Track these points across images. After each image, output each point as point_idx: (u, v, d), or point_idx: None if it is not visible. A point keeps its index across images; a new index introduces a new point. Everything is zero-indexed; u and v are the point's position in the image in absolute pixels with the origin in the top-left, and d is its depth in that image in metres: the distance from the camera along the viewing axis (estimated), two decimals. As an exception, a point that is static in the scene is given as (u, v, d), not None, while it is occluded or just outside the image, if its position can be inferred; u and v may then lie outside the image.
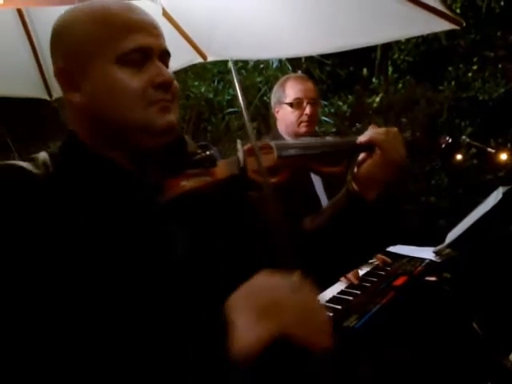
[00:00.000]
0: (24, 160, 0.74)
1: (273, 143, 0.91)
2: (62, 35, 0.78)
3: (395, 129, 0.96)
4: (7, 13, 2.27)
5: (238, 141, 0.86)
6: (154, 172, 0.79)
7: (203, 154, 0.82)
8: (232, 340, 0.61)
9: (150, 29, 0.78)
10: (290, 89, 2.12)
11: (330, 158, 0.96)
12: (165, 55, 0.80)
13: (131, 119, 0.75)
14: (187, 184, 0.77)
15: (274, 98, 2.20)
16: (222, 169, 0.83)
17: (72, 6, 0.80)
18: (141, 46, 0.75)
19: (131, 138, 0.76)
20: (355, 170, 0.96)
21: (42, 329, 0.62)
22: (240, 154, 0.85)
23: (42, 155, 0.76)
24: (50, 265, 0.64)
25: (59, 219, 0.67)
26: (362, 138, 0.95)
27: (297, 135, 2.12)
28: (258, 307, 0.64)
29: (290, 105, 2.09)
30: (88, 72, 0.75)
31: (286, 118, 2.12)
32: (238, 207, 0.87)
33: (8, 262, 0.63)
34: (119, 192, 0.75)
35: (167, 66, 0.80)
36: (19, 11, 2.33)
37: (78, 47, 0.76)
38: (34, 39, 2.51)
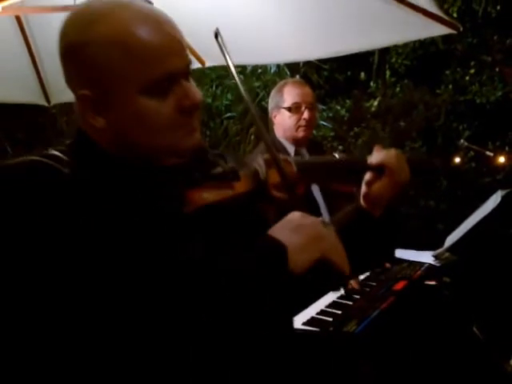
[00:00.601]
0: (44, 156, 0.71)
1: (291, 158, 0.93)
2: (81, 57, 0.72)
3: (399, 151, 1.01)
4: (5, 19, 2.28)
5: (259, 153, 0.86)
6: (176, 180, 0.78)
7: (226, 167, 0.82)
8: (288, 257, 0.72)
9: (176, 47, 0.74)
10: (288, 93, 2.12)
11: (342, 176, 1.02)
12: (189, 67, 0.78)
13: (159, 145, 0.74)
14: (209, 196, 0.77)
15: (271, 102, 2.20)
16: (244, 182, 0.82)
17: (84, 14, 0.73)
18: (168, 72, 0.72)
19: (158, 158, 0.76)
20: (364, 188, 1.01)
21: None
22: (260, 167, 0.84)
23: (57, 154, 0.73)
24: (78, 263, 0.63)
25: (89, 219, 0.66)
26: (373, 160, 1.00)
27: (295, 139, 2.12)
28: (305, 236, 0.76)
29: (288, 109, 2.09)
30: (112, 100, 0.72)
31: (283, 122, 2.12)
32: (255, 220, 0.87)
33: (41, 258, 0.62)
34: (143, 199, 0.74)
35: (189, 75, 0.78)
36: (17, 18, 2.34)
37: (101, 74, 0.72)
38: (32, 45, 2.52)
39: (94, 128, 0.75)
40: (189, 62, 0.77)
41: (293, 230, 0.75)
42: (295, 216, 0.78)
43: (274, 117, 2.17)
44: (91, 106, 0.73)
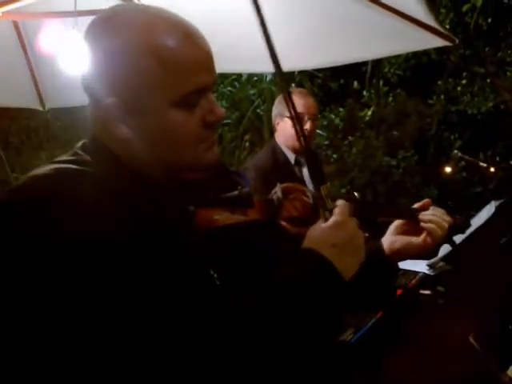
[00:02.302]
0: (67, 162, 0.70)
1: (309, 192, 0.89)
2: (115, 64, 0.70)
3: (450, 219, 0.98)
4: (3, 24, 2.27)
5: (278, 184, 0.85)
6: (191, 196, 0.77)
7: (242, 192, 0.81)
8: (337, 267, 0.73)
9: (208, 62, 0.73)
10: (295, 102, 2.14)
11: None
12: (216, 81, 0.77)
13: (180, 159, 0.73)
14: (220, 219, 0.77)
15: (275, 109, 2.22)
16: (257, 210, 0.81)
17: (119, 20, 0.71)
18: (200, 87, 0.71)
19: (177, 173, 0.75)
20: (394, 235, 1.00)
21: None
22: (278, 198, 0.83)
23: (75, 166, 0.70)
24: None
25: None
26: (423, 223, 0.97)
27: (295, 148, 2.14)
28: (343, 244, 0.76)
29: (290, 118, 2.10)
30: (141, 110, 0.71)
31: (286, 130, 2.14)
32: (262, 246, 0.86)
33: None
34: (158, 213, 0.73)
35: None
36: (15, 22, 2.33)
37: (133, 83, 0.70)
38: (29, 50, 2.51)
39: (113, 137, 0.73)
40: (216, 76, 0.76)
41: (333, 240, 0.75)
42: (327, 226, 0.77)
43: (277, 124, 2.19)
44: (117, 115, 0.71)
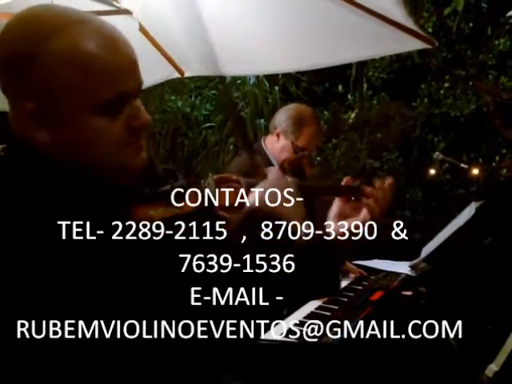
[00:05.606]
0: None
1: (242, 180, 0.91)
2: (32, 69, 0.67)
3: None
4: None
5: (210, 174, 0.88)
6: (123, 196, 0.77)
7: (174, 185, 0.83)
8: None
9: (131, 68, 0.73)
10: (306, 137, 2.08)
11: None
12: (140, 88, 0.77)
13: (105, 163, 0.73)
14: (155, 214, 0.78)
15: (284, 123, 2.12)
16: (191, 202, 0.84)
17: (36, 23, 0.69)
18: (120, 93, 0.71)
19: (103, 177, 0.74)
20: (338, 218, 1.01)
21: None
22: (210, 187, 0.86)
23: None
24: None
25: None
26: (365, 199, 0.99)
27: (277, 161, 2.15)
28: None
29: (295, 149, 2.08)
30: (61, 116, 0.70)
31: (279, 147, 2.12)
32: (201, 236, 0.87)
33: None
34: (91, 213, 0.70)
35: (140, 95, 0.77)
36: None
37: (52, 89, 0.68)
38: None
39: (35, 140, 0.71)
40: (141, 83, 0.77)
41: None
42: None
43: (276, 133, 2.14)
44: (35, 120, 0.70)
